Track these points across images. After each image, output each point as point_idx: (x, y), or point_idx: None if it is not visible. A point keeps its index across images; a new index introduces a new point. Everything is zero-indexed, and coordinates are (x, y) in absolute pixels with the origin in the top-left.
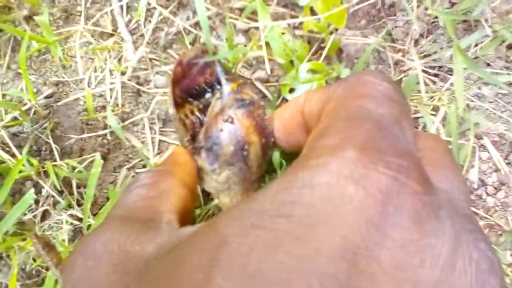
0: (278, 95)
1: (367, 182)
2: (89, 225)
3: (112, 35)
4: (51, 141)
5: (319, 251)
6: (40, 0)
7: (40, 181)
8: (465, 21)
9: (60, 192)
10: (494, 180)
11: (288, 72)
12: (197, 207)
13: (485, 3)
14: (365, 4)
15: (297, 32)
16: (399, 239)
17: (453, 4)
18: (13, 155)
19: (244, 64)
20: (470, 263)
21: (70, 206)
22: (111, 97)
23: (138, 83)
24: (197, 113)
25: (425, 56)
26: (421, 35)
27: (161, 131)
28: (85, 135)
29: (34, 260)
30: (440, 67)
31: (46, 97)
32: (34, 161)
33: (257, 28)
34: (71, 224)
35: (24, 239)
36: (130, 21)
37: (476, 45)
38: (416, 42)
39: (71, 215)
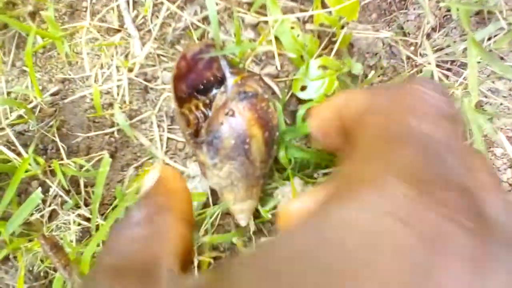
0: (288, 90)
1: (415, 222)
2: (98, 226)
3: (118, 30)
4: (57, 139)
5: None
6: None
7: (47, 180)
8: (477, 13)
9: (67, 192)
10: (509, 176)
11: (298, 67)
12: (205, 207)
13: None
14: None
15: (307, 26)
16: (452, 286)
17: None
18: (19, 154)
19: (254, 59)
20: None
21: (77, 205)
22: (118, 94)
23: (145, 80)
24: (202, 108)
25: (437, 50)
26: (433, 29)
27: (169, 128)
28: (92, 133)
29: (42, 262)
30: (453, 61)
31: (52, 95)
32: (41, 160)
33: (266, 22)
34: (79, 224)
35: (31, 240)
36: (136, 16)
37: (489, 39)
38: (428, 36)
39: (78, 215)
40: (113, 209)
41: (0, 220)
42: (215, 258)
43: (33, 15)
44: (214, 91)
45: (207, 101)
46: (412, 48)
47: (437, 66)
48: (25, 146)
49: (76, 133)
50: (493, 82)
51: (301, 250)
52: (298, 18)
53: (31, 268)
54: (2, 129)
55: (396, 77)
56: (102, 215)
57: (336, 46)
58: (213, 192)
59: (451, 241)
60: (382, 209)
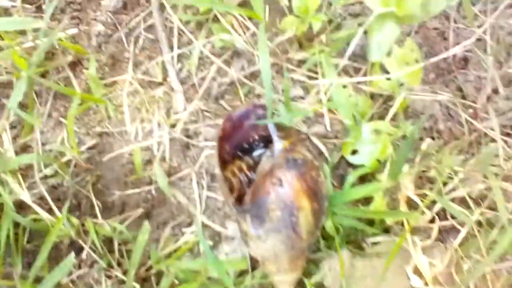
0: (337, 152)
1: None
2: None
3: (161, 83)
4: (92, 196)
5: None
6: (85, 45)
7: (80, 241)
8: None
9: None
10: None
11: (349, 128)
12: (243, 272)
13: None
14: (437, 58)
15: (361, 85)
16: None
17: None
18: (50, 209)
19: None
20: None
21: (110, 265)
22: (158, 150)
23: (187, 136)
24: (246, 171)
25: (499, 115)
26: (493, 91)
27: (209, 186)
28: (129, 191)
29: None
30: None
31: (89, 148)
32: (74, 220)
33: (316, 78)
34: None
35: None
36: (180, 69)
37: None
38: (489, 99)
39: (110, 276)
40: (146, 270)
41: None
42: None
43: (73, 65)
44: (259, 151)
45: (251, 163)
46: (471, 110)
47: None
48: (58, 200)
49: (112, 189)
50: None
51: None
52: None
53: None
54: (35, 182)
55: (453, 141)
56: (135, 274)
57: (393, 111)
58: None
59: None
60: None
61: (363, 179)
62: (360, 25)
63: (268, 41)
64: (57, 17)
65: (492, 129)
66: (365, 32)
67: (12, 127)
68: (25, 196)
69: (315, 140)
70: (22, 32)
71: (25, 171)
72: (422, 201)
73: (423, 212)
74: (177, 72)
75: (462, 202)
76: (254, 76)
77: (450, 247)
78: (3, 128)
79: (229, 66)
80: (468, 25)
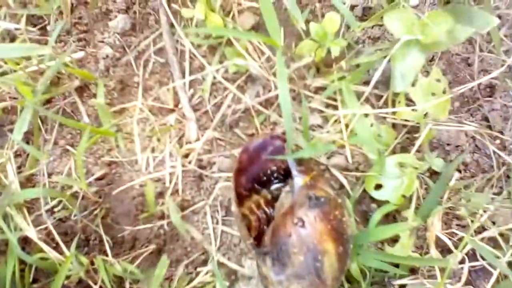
0: (360, 185)
1: None
2: None
3: (172, 110)
4: (101, 231)
5: None
6: (93, 69)
7: (89, 282)
8: None
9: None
10: None
11: (371, 160)
12: None
13: None
14: (462, 87)
15: (383, 115)
16: None
17: None
18: (57, 245)
19: None
20: None
21: None
22: (170, 182)
23: (200, 166)
24: (264, 207)
25: None
26: None
27: (224, 220)
28: (140, 227)
29: None
30: None
31: (97, 179)
32: (83, 260)
33: (335, 107)
34: None
35: None
36: (192, 95)
37: None
38: None
39: None
40: None
41: None
42: None
43: (80, 90)
44: (278, 184)
45: (269, 197)
46: (498, 141)
47: None
48: (65, 234)
49: (122, 223)
50: None
51: None
52: (373, 106)
53: None
54: (41, 215)
55: (481, 174)
56: None
57: (418, 143)
58: None
59: None
60: None
61: (387, 215)
62: (380, 49)
63: (285, 66)
64: (63, 38)
65: None
66: (385, 57)
67: (17, 155)
68: (31, 233)
69: (336, 172)
70: (27, 56)
71: (31, 203)
72: (450, 239)
73: (451, 251)
74: (189, 98)
75: (491, 239)
76: (269, 102)
77: None
78: (7, 158)
79: (243, 92)
80: (495, 53)
